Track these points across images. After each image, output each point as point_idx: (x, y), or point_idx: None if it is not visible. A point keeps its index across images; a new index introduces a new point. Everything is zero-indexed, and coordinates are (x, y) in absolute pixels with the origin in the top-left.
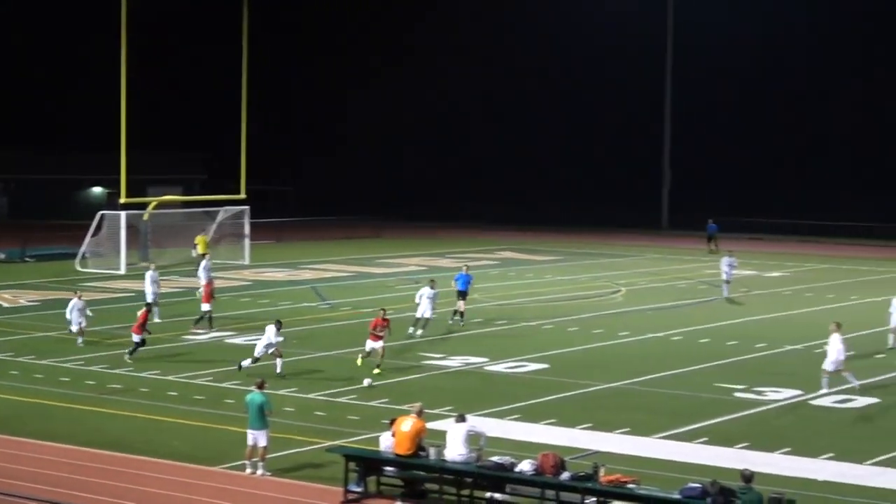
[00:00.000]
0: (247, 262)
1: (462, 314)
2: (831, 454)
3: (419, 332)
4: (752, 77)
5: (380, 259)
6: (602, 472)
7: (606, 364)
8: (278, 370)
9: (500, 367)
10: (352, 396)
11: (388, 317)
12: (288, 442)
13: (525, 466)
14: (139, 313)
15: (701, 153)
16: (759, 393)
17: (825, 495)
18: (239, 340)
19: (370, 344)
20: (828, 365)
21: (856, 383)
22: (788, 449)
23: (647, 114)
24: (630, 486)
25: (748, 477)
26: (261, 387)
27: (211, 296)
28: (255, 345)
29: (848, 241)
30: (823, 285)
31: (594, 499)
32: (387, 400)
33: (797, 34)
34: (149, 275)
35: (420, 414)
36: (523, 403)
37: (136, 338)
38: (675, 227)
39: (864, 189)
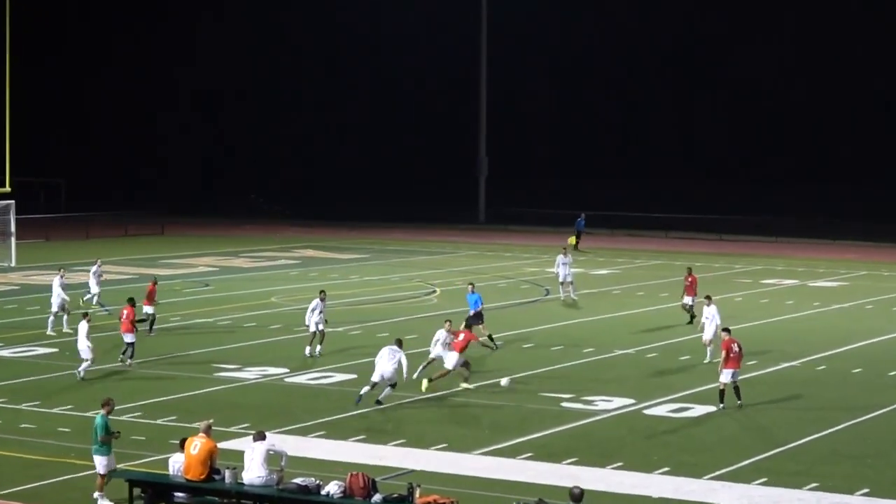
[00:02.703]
0: (13, 263)
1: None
2: (666, 468)
3: (317, 349)
4: (570, 65)
5: (164, 259)
6: (418, 493)
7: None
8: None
9: (303, 379)
10: (136, 414)
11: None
12: (65, 466)
13: (332, 488)
14: (124, 310)
15: (517, 141)
16: (589, 402)
17: None
18: (6, 353)
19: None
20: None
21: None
22: (620, 463)
23: (459, 100)
24: None
25: (577, 496)
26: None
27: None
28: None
29: (685, 235)
30: (656, 283)
31: None
32: (175, 417)
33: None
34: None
35: (208, 432)
36: (329, 418)
37: (128, 338)
38: (493, 222)
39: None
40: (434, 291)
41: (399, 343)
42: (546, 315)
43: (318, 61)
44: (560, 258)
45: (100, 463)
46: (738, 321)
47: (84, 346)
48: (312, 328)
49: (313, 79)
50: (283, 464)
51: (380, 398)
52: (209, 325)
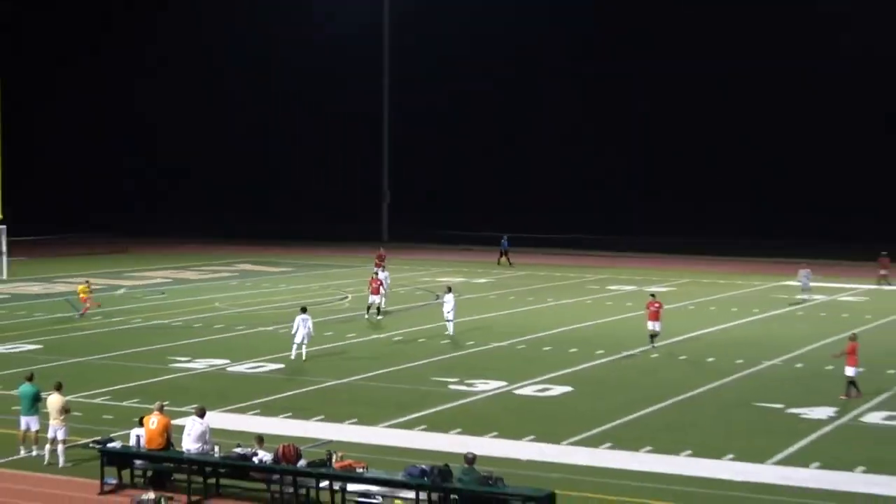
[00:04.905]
0: (4, 277)
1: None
2: (532, 436)
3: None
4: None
5: (127, 272)
6: (335, 458)
7: (337, 362)
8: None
9: (241, 368)
10: (106, 397)
11: None
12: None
13: (266, 456)
14: None
15: (418, 169)
16: (470, 385)
17: (527, 472)
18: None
19: None
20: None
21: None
22: (496, 433)
23: (367, 133)
24: (360, 470)
25: (471, 459)
26: (30, 379)
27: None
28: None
29: (544, 251)
30: (523, 289)
31: (329, 482)
32: (138, 400)
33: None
34: None
35: (161, 410)
36: (262, 399)
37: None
38: (395, 240)
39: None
40: (346, 297)
41: None
42: (436, 316)
43: (237, 88)
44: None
45: (35, 421)
46: (588, 319)
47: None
48: (298, 339)
49: (243, 108)
50: (208, 436)
51: None
52: (164, 325)
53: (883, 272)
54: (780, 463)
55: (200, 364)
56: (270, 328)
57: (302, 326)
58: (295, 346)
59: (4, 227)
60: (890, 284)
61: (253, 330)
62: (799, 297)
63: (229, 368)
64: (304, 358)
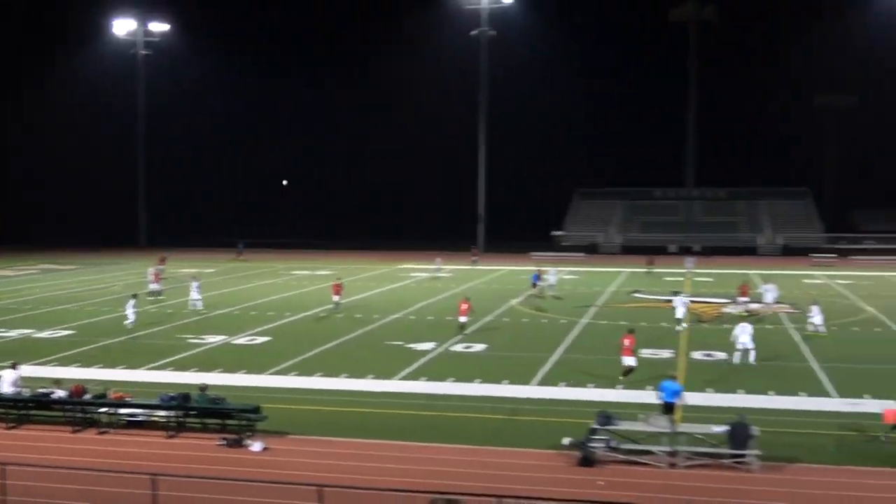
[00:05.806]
0: None
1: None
2: (245, 371)
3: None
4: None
5: None
6: (111, 392)
7: (114, 328)
8: None
9: (45, 334)
10: None
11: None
12: None
13: (62, 393)
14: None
15: (172, 185)
16: (202, 339)
17: (241, 393)
18: None
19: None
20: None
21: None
22: (220, 370)
23: (122, 148)
24: (128, 399)
25: (203, 388)
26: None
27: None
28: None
29: (267, 251)
30: (241, 276)
31: (107, 409)
32: None
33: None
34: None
35: (15, 367)
36: (59, 355)
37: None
38: (151, 245)
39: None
40: (116, 284)
41: None
42: (182, 295)
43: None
44: (196, 285)
45: None
46: (279, 293)
47: None
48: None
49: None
50: (20, 382)
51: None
52: None
53: (474, 258)
54: (402, 378)
55: (15, 333)
56: (67, 306)
57: (133, 307)
58: (131, 321)
59: None
60: (478, 265)
61: (53, 308)
62: (435, 275)
63: (35, 335)
64: (129, 326)
